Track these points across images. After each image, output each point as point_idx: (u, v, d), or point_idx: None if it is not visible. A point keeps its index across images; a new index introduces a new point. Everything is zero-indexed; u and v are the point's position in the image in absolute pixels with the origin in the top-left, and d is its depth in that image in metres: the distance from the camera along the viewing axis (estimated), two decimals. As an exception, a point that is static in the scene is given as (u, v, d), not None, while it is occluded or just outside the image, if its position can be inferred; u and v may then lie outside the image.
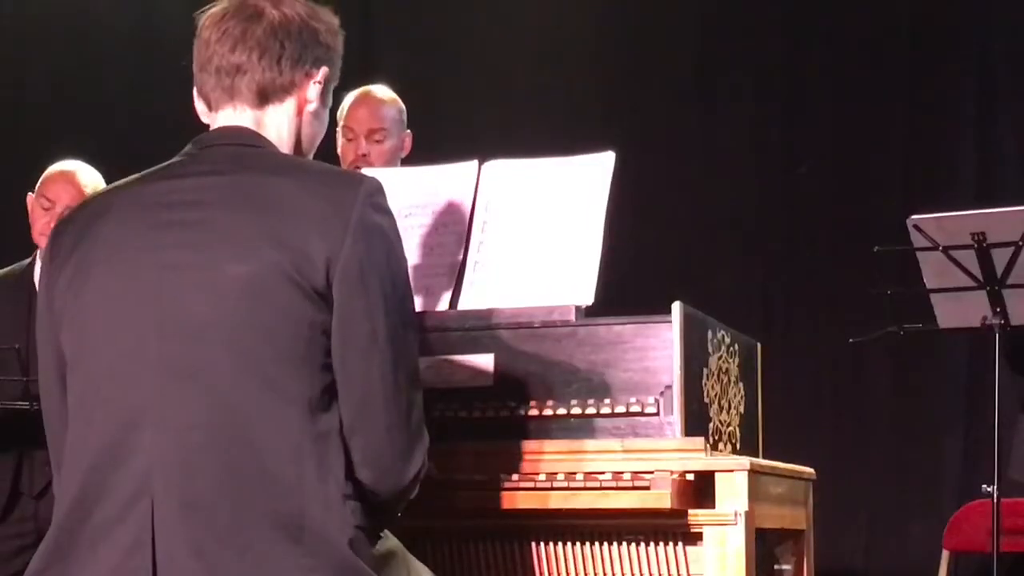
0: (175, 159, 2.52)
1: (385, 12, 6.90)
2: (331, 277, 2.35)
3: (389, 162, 4.50)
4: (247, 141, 2.51)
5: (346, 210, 2.37)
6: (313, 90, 2.56)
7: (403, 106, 4.70)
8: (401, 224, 3.16)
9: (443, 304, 3.27)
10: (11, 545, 4.74)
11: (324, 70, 2.57)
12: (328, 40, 2.58)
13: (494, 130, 6.10)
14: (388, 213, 2.44)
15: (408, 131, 4.67)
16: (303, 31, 2.53)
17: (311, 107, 2.57)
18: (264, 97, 2.52)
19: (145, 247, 2.41)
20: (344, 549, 2.33)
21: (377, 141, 4.57)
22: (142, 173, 2.53)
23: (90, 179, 4.82)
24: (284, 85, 2.53)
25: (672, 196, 6.33)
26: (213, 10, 2.54)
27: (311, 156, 2.64)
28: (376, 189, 2.43)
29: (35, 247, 4.84)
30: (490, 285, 3.27)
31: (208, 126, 2.58)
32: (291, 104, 2.55)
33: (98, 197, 2.55)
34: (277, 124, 2.54)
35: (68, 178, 4.79)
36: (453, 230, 3.32)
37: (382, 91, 4.71)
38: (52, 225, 4.64)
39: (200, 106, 2.59)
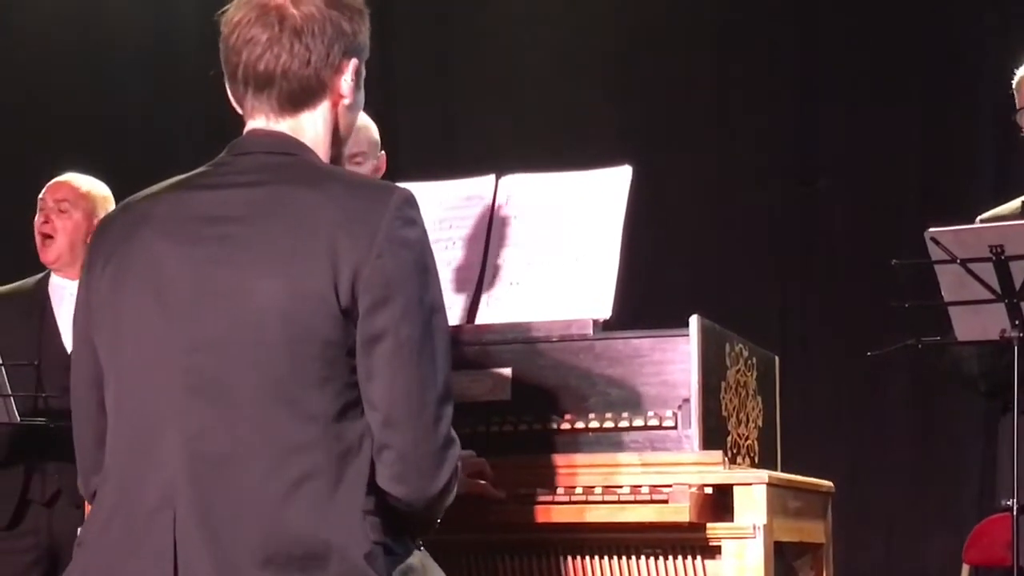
0: (210, 166, 2.52)
1: (403, 29, 6.92)
2: (357, 291, 2.35)
3: None
4: (282, 149, 2.49)
5: (374, 223, 2.36)
6: (345, 85, 2.53)
7: (376, 127, 4.73)
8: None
9: (461, 318, 3.27)
10: (23, 559, 4.75)
11: (353, 62, 2.53)
12: (353, 27, 2.53)
13: (511, 144, 6.11)
14: (417, 224, 2.42)
15: (383, 152, 4.70)
16: (326, 25, 2.49)
17: (345, 101, 2.55)
18: (298, 104, 2.50)
19: (179, 261, 2.41)
20: (359, 565, 2.33)
21: (357, 163, 4.61)
22: (179, 179, 2.52)
23: (83, 180, 4.96)
24: (315, 88, 2.50)
25: (690, 210, 6.34)
26: (236, 17, 2.50)
27: (349, 141, 2.62)
28: (405, 201, 2.41)
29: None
30: (507, 299, 3.27)
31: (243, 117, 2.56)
32: (325, 105, 2.53)
33: (137, 204, 2.53)
34: (313, 126, 2.53)
35: (62, 182, 4.96)
36: (471, 244, 3.33)
37: (360, 116, 4.72)
38: (43, 222, 4.79)
39: (235, 103, 2.57)
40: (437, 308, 2.42)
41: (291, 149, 2.50)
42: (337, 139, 2.57)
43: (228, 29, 2.51)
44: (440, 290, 2.45)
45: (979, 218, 4.25)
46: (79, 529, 2.51)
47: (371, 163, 4.63)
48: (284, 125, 2.52)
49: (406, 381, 2.36)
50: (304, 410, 2.34)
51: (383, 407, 2.37)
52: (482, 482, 2.99)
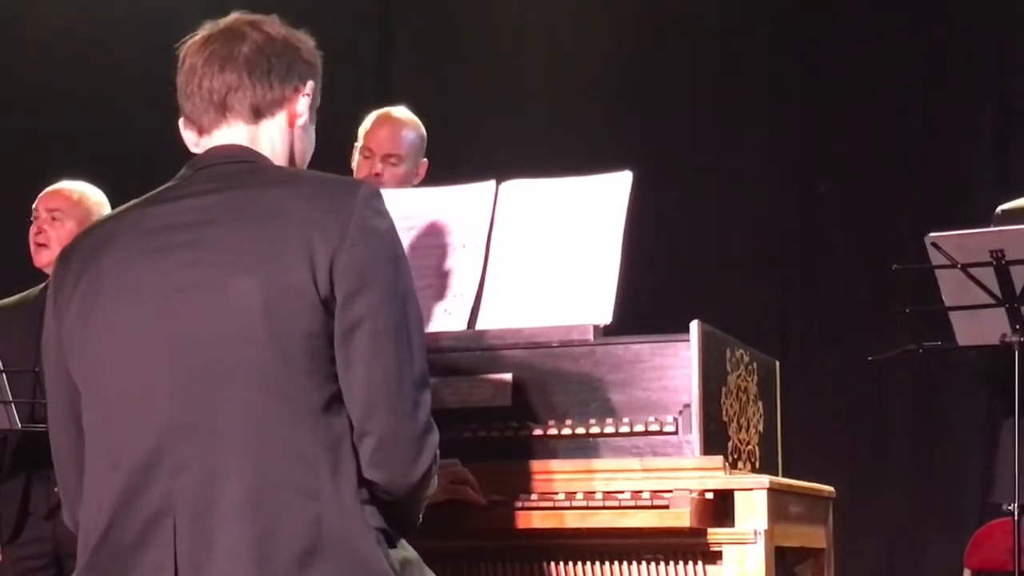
0: (171, 183, 2.55)
1: (403, 34, 6.93)
2: (334, 280, 2.37)
3: (401, 186, 4.49)
4: (241, 158, 2.53)
5: (344, 214, 2.40)
6: (303, 103, 2.59)
7: (424, 133, 4.69)
8: (419, 244, 3.17)
9: (461, 324, 3.27)
10: (29, 565, 4.75)
11: (311, 83, 2.60)
12: (310, 58, 2.62)
13: (511, 151, 6.11)
14: (385, 216, 2.46)
15: (425, 159, 4.67)
16: (287, 48, 2.57)
17: (301, 120, 2.60)
18: (257, 112, 2.55)
19: (151, 271, 2.43)
20: (364, 552, 2.35)
21: (392, 164, 4.58)
22: (140, 199, 2.56)
23: (75, 187, 4.95)
24: (276, 100, 2.56)
25: (690, 215, 6.34)
26: (194, 39, 2.58)
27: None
28: (373, 193, 2.46)
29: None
30: (508, 305, 3.27)
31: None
32: (283, 118, 2.57)
33: (99, 226, 2.57)
34: (271, 138, 2.57)
35: (55, 190, 4.96)
36: (471, 250, 3.33)
37: (406, 115, 4.71)
38: (37, 232, 4.80)
39: (189, 136, 2.60)
40: (410, 298, 2.46)
41: (250, 157, 2.54)
42: (292, 162, 2.62)
43: (191, 51, 2.57)
44: (412, 281, 2.49)
45: (1000, 208, 4.25)
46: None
47: (405, 167, 4.60)
48: (242, 133, 2.55)
49: (384, 367, 2.39)
50: (295, 403, 2.36)
51: (362, 394, 2.39)
52: (463, 487, 3.00)
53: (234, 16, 2.60)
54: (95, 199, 4.94)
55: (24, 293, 4.97)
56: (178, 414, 2.37)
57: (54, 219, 4.88)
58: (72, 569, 4.82)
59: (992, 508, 4.32)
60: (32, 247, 4.91)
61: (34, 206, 4.95)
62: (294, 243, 2.38)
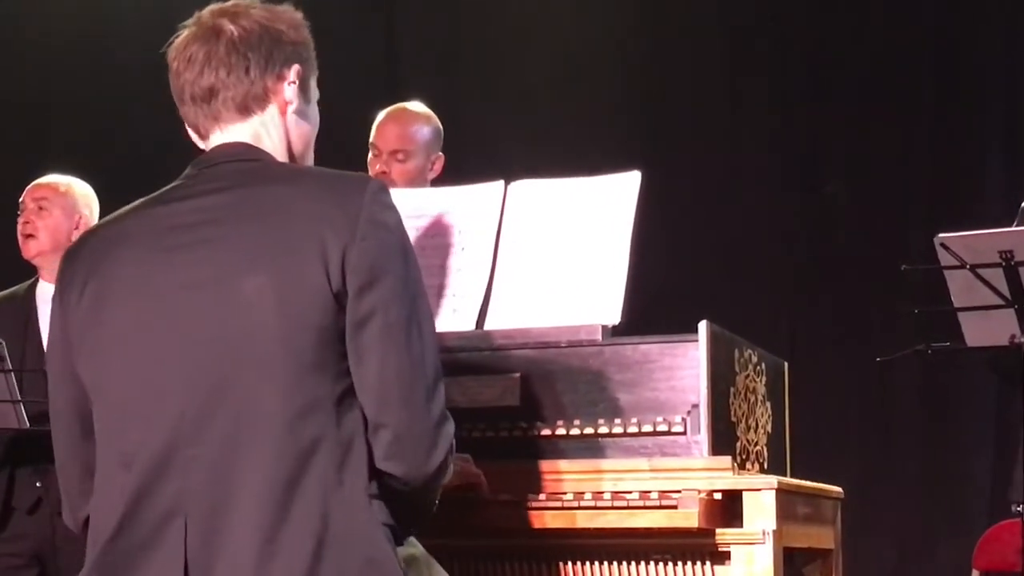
0: (177, 182, 2.55)
1: (410, 33, 6.93)
2: (345, 276, 2.38)
3: (412, 182, 4.45)
4: (245, 156, 2.53)
5: (354, 209, 2.40)
6: (289, 90, 2.57)
7: (438, 126, 4.64)
8: (428, 243, 3.17)
9: (470, 324, 3.27)
10: (11, 562, 4.74)
11: (296, 68, 2.57)
12: (293, 37, 2.58)
13: (520, 151, 6.11)
14: (394, 210, 2.46)
15: (440, 154, 4.62)
16: (264, 37, 2.54)
17: (292, 107, 2.58)
18: (246, 110, 2.55)
19: (160, 270, 2.43)
20: (373, 547, 2.35)
21: (399, 160, 4.53)
22: (144, 199, 2.55)
23: (62, 178, 4.98)
24: (260, 94, 2.54)
25: (698, 215, 6.34)
26: (176, 41, 2.57)
27: (308, 153, 2.65)
28: (381, 188, 2.46)
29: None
30: (517, 305, 3.27)
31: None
32: (273, 110, 2.56)
33: (105, 226, 2.57)
34: (268, 132, 2.57)
35: (42, 182, 4.97)
36: (479, 250, 3.33)
37: (415, 109, 4.64)
38: (24, 223, 4.80)
39: (193, 135, 2.61)
40: (420, 292, 2.47)
41: (254, 155, 2.54)
42: (292, 148, 2.60)
43: (172, 56, 2.57)
44: (420, 275, 2.49)
45: None
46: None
47: (414, 163, 4.53)
48: (238, 133, 2.55)
49: (397, 360, 2.39)
50: (307, 399, 2.36)
51: (376, 387, 2.39)
52: (474, 472, 3.00)
53: (210, 9, 2.57)
54: (81, 191, 4.94)
55: (12, 289, 4.98)
56: (189, 413, 2.37)
57: (41, 208, 4.89)
58: (56, 568, 4.78)
59: (1002, 508, 4.32)
60: (20, 238, 4.92)
61: (21, 199, 4.96)
62: (305, 239, 2.38)
